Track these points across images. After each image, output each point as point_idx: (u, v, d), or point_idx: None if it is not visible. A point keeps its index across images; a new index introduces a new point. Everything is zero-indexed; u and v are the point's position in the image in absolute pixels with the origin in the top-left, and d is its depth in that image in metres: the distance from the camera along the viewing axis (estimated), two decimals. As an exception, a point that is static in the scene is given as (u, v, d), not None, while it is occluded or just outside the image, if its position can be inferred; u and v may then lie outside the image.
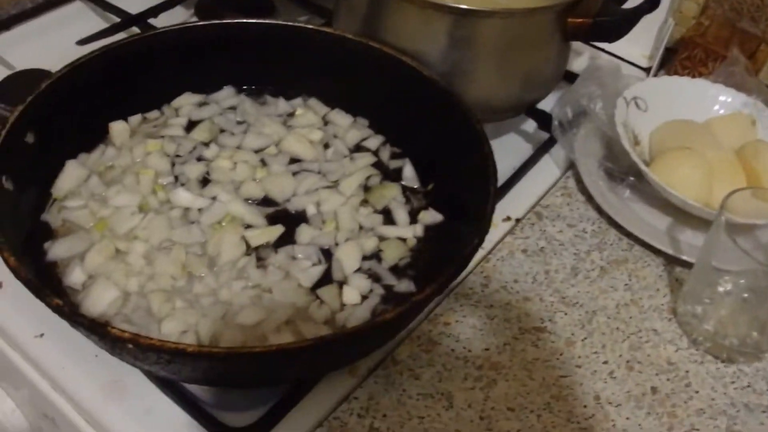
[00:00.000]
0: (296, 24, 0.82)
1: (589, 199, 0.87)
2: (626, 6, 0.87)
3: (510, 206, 0.85)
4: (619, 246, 0.83)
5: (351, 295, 0.68)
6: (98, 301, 0.65)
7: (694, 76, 1.00)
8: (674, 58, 1.06)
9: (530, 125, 0.96)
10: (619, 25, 0.84)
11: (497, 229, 0.82)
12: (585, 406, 0.69)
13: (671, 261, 0.82)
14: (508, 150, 0.91)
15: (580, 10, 0.84)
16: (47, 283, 0.64)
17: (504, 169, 0.88)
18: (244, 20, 0.82)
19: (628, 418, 0.69)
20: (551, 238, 0.83)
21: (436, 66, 0.80)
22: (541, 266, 0.80)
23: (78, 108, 0.75)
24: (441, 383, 0.69)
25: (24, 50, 0.96)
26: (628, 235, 0.84)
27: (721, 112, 0.91)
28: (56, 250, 0.68)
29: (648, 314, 0.77)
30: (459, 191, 0.74)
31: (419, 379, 0.69)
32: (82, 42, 0.92)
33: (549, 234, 0.83)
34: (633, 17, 0.84)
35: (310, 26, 0.83)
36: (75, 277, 0.66)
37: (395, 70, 0.79)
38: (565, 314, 0.76)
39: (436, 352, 0.71)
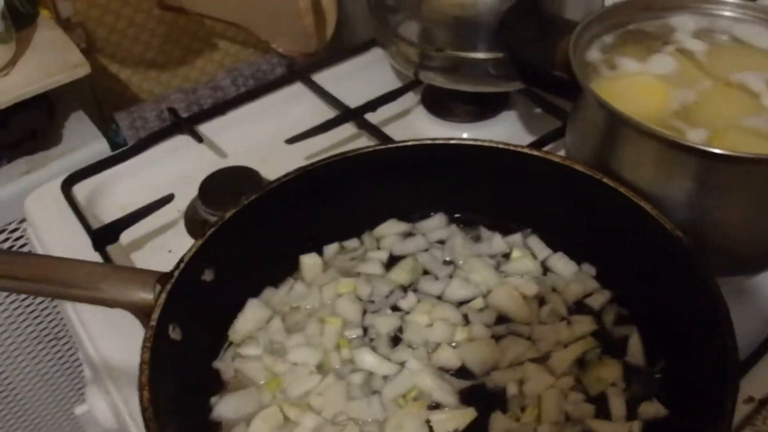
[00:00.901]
0: (516, 149, 0.71)
1: None
2: None
3: (754, 382, 0.70)
4: None
5: None
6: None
7: None
8: None
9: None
10: None
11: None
12: None
13: None
14: (754, 300, 0.77)
15: None
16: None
17: (750, 328, 0.74)
18: (457, 141, 0.72)
19: None
20: (801, 438, 0.68)
21: (679, 211, 0.66)
22: (780, 480, 0.66)
23: (267, 237, 0.68)
24: None
25: (238, 136, 0.92)
26: None
27: None
28: (222, 409, 0.62)
29: None
30: (690, 378, 0.61)
31: None
32: (291, 141, 0.85)
33: (799, 431, 0.68)
34: None
35: (534, 152, 0.71)
36: (235, 447, 0.60)
37: (631, 214, 0.66)
38: None
39: None
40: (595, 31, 0.77)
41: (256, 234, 0.67)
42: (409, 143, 0.72)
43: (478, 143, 0.72)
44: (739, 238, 0.70)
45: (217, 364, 0.66)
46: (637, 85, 0.73)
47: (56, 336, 1.17)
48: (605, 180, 0.68)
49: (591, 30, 0.76)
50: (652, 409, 0.62)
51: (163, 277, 0.61)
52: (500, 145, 0.71)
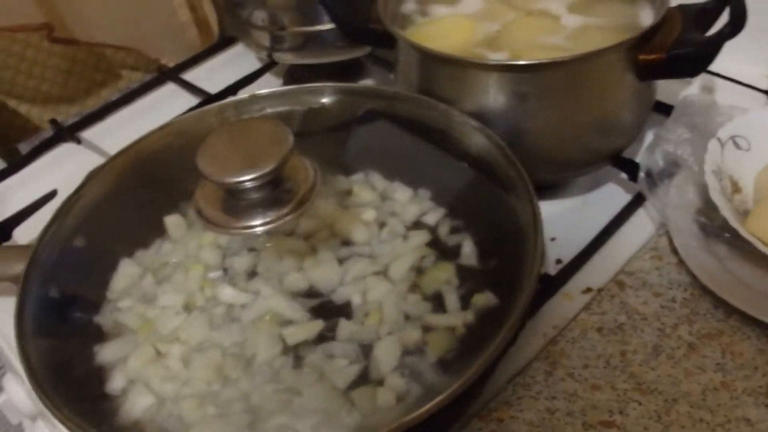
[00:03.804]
0: (349, 85, 0.80)
1: (682, 262, 0.78)
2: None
3: (592, 275, 0.78)
4: (713, 316, 0.74)
5: (385, 397, 0.64)
6: (134, 408, 0.65)
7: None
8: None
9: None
10: (697, 57, 0.74)
11: (573, 302, 0.76)
12: None
13: (777, 333, 0.72)
14: (598, 207, 0.84)
15: (654, 44, 0.75)
16: (90, 391, 0.66)
17: (590, 228, 0.82)
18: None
19: None
20: (632, 312, 0.75)
21: (496, 128, 0.74)
22: (617, 347, 0.73)
23: (128, 206, 0.77)
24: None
25: (119, 137, 1.00)
26: (725, 302, 0.74)
27: None
28: (102, 355, 0.69)
29: (741, 399, 0.68)
30: (514, 272, 0.68)
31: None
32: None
33: (630, 307, 0.75)
34: (712, 46, 0.73)
35: (365, 87, 0.80)
36: (115, 383, 0.67)
37: (457, 132, 0.76)
38: (640, 404, 0.68)
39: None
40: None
41: (115, 205, 0.76)
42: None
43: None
44: (553, 143, 0.79)
45: (98, 318, 0.72)
46: (445, 25, 0.82)
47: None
48: (429, 100, 0.77)
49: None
50: (484, 299, 0.69)
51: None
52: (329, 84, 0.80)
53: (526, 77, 0.74)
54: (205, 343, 0.69)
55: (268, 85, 1.09)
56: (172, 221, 0.79)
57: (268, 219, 0.65)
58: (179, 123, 0.80)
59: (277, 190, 0.66)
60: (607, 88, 0.77)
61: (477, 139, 0.74)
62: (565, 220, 0.84)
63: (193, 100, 1.06)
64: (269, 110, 0.80)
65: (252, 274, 0.74)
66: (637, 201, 0.84)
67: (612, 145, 0.82)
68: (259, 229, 0.65)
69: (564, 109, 0.76)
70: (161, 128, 0.80)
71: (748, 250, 0.75)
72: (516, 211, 0.70)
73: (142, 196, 0.78)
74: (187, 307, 0.72)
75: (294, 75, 1.07)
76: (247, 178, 0.63)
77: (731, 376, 0.70)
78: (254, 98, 0.80)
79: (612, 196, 0.87)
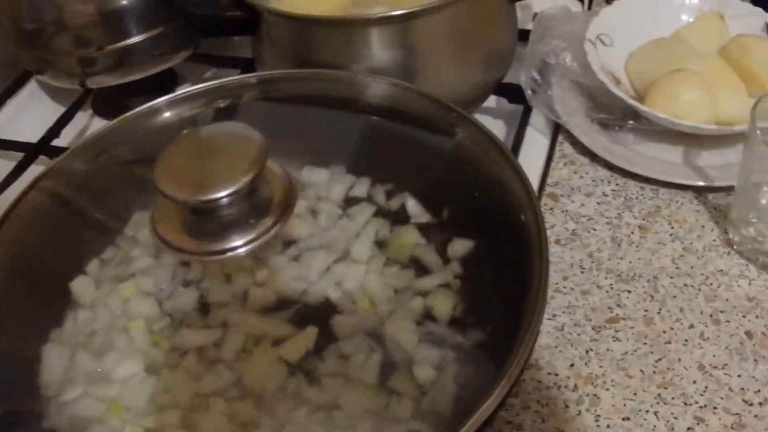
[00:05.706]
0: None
1: (594, 158, 0.80)
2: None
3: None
4: (645, 196, 0.77)
5: (424, 372, 0.58)
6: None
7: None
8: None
9: (493, 101, 0.88)
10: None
11: (518, 227, 0.75)
12: (695, 382, 0.63)
13: (701, 191, 0.76)
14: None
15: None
16: None
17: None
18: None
19: (740, 375, 0.63)
20: (577, 216, 0.75)
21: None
22: (582, 251, 0.73)
23: (19, 285, 0.64)
24: (546, 424, 0.62)
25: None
26: (648, 180, 0.77)
27: (686, 18, 0.86)
28: (83, 464, 0.57)
29: (706, 256, 0.72)
30: (479, 202, 0.65)
31: (522, 429, 0.62)
32: (-10, 199, 0.79)
33: (572, 212, 0.76)
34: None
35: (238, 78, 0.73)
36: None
37: (358, 96, 0.71)
38: (630, 292, 0.69)
39: (524, 389, 0.64)
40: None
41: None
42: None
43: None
44: (450, 85, 0.77)
45: (49, 423, 0.59)
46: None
47: None
48: (314, 71, 0.72)
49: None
50: (459, 246, 0.65)
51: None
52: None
53: (416, 24, 0.72)
54: (196, 398, 0.59)
55: (85, 120, 0.96)
56: (78, 286, 0.66)
57: (251, 236, 0.57)
58: (46, 178, 0.67)
59: (251, 200, 0.57)
60: (488, 17, 0.77)
61: (375, 91, 0.70)
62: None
63: (9, 156, 0.90)
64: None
65: (204, 307, 0.65)
66: (524, 121, 0.84)
67: (497, 74, 0.82)
68: (243, 249, 0.57)
69: (454, 50, 0.75)
70: (28, 189, 0.66)
71: (650, 131, 0.79)
72: (445, 147, 0.68)
73: (29, 271, 0.65)
74: (152, 369, 0.61)
75: (104, 101, 0.95)
76: (224, 194, 0.54)
77: (687, 240, 0.73)
78: (124, 121, 0.69)
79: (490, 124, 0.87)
